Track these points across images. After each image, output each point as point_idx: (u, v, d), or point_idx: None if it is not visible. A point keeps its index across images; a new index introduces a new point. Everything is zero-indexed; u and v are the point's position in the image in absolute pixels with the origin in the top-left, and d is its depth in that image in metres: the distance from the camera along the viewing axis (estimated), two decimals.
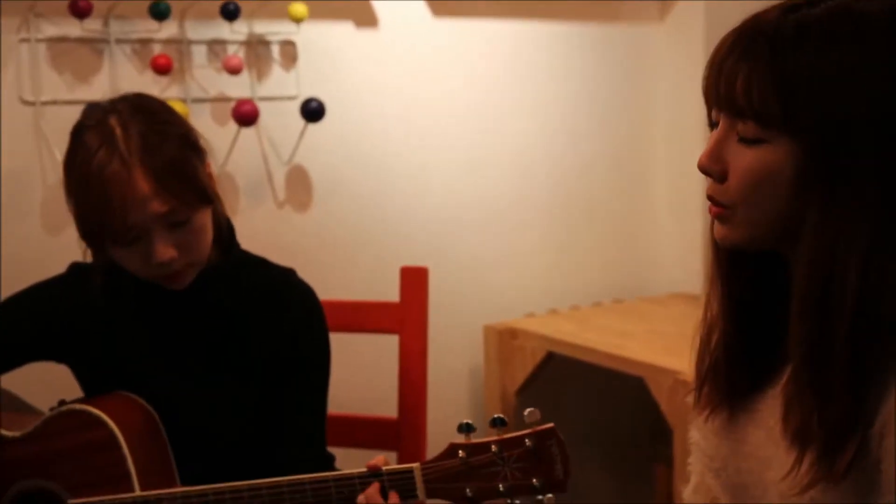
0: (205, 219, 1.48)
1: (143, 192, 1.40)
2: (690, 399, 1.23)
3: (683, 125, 2.96)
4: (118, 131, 1.41)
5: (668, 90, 3.02)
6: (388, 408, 2.02)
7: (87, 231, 1.44)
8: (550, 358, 2.60)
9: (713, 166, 1.06)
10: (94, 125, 1.43)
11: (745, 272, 1.12)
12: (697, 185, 2.89)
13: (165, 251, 1.43)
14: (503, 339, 2.67)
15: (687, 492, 1.30)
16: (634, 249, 3.07)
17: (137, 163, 1.40)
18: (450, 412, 2.65)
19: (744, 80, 0.99)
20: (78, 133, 1.46)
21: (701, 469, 1.25)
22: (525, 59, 2.81)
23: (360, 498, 1.34)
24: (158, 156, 1.41)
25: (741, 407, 1.14)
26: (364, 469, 1.35)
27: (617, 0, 2.93)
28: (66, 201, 1.49)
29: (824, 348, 0.99)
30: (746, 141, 1.02)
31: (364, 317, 2.01)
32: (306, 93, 2.45)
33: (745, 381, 1.14)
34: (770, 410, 1.10)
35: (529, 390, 2.64)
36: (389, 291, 2.08)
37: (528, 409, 1.28)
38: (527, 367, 2.62)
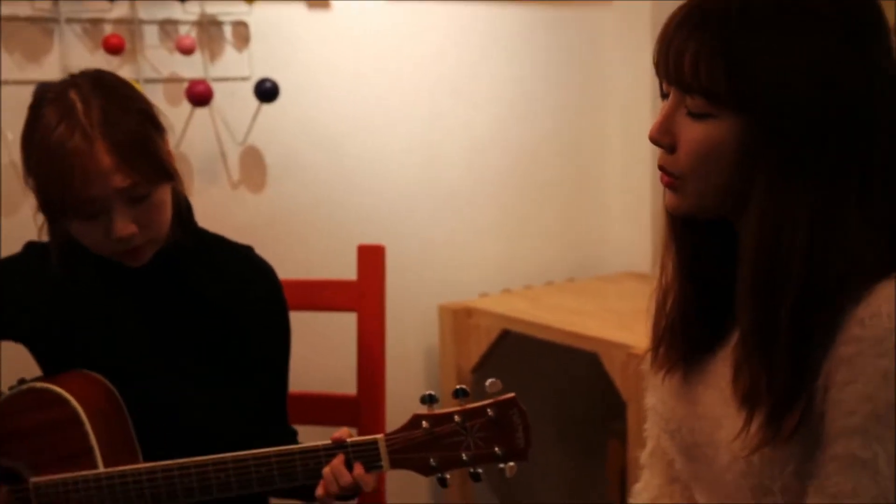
0: (165, 195, 1.48)
1: (105, 165, 1.39)
2: (647, 362, 1.27)
3: (634, 106, 3.00)
4: (79, 105, 1.40)
5: (619, 71, 3.05)
6: (346, 385, 2.04)
7: (47, 204, 1.43)
8: (505, 336, 2.63)
9: (663, 138, 1.09)
10: (53, 99, 1.42)
11: (697, 238, 1.16)
12: (648, 166, 2.93)
13: (126, 226, 1.43)
14: (458, 318, 2.70)
15: (644, 455, 1.34)
16: (586, 229, 3.11)
17: (99, 136, 1.39)
18: (406, 391, 2.66)
19: (692, 56, 1.02)
20: (36, 107, 1.45)
21: (657, 433, 1.28)
22: (477, 40, 2.83)
23: (326, 470, 1.35)
24: (120, 130, 1.41)
25: (695, 369, 1.18)
26: (329, 441, 1.37)
27: None
28: (23, 176, 1.48)
29: (770, 316, 1.02)
30: (694, 115, 1.04)
31: (322, 295, 2.02)
32: (259, 73, 2.44)
33: (698, 341, 1.17)
34: (721, 372, 1.14)
35: (484, 368, 2.67)
36: (344, 272, 2.10)
37: (490, 380, 1.31)
38: (482, 345, 2.65)
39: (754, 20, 1.00)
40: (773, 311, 1.02)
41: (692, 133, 1.05)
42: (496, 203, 2.91)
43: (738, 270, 1.08)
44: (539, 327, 2.50)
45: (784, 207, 1.00)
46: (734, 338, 1.12)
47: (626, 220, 3.09)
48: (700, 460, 1.17)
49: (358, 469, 1.34)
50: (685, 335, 1.18)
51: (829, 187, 1.00)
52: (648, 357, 1.25)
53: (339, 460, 1.35)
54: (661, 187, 1.09)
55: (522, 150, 2.94)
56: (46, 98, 1.44)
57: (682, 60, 1.03)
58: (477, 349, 2.66)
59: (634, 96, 2.99)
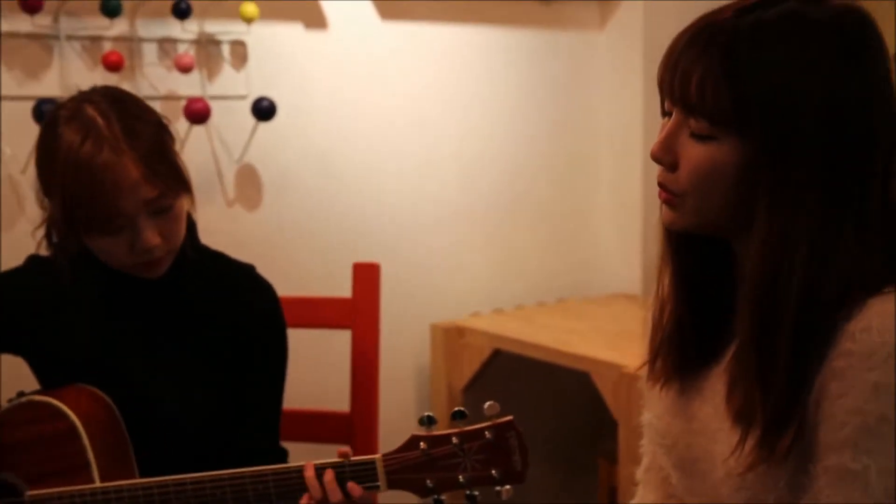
0: (183, 206, 1.50)
1: (134, 177, 1.41)
2: (643, 379, 1.28)
3: (624, 129, 3.03)
4: (100, 120, 1.41)
5: (610, 95, 3.09)
6: (339, 402, 2.04)
7: (74, 221, 1.43)
8: (496, 355, 2.65)
9: (665, 157, 1.10)
10: (70, 116, 1.43)
11: (693, 253, 1.17)
12: (638, 189, 2.96)
13: (152, 237, 1.45)
14: (450, 337, 2.71)
15: (639, 471, 1.35)
16: (577, 251, 3.13)
17: (125, 150, 1.40)
18: (397, 410, 2.68)
19: (698, 79, 1.04)
20: (52, 126, 1.45)
21: (653, 449, 1.30)
22: (472, 61, 2.85)
23: (313, 482, 1.35)
24: (143, 141, 1.42)
25: (691, 384, 1.19)
26: (301, 463, 1.38)
27: (559, 2, 2.98)
28: (37, 197, 1.49)
29: (770, 338, 1.04)
30: (698, 137, 1.06)
31: (317, 312, 2.03)
32: (256, 92, 2.46)
33: (695, 354, 1.19)
34: (716, 387, 1.15)
35: (475, 388, 2.68)
36: (337, 290, 2.11)
37: (488, 402, 1.32)
38: (473, 364, 2.67)
39: (761, 44, 1.02)
40: (772, 332, 1.04)
41: (694, 154, 1.07)
42: (488, 223, 2.93)
43: (740, 291, 1.10)
44: (531, 346, 2.52)
45: (785, 232, 1.03)
46: (730, 352, 1.14)
47: (616, 242, 3.12)
48: (696, 475, 1.19)
49: (355, 489, 1.35)
50: (681, 347, 1.19)
51: (829, 210, 1.02)
52: (645, 374, 1.27)
53: (329, 475, 1.35)
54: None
55: (515, 171, 2.97)
56: (61, 116, 1.44)
57: (688, 82, 1.05)
58: (469, 368, 2.68)
59: (625, 120, 3.02)
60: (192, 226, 1.60)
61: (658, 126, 1.13)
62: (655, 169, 1.14)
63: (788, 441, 1.04)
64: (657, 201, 1.15)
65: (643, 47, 2.93)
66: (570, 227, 3.11)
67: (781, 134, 1.02)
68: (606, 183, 3.13)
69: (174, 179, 1.46)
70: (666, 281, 1.20)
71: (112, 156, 1.40)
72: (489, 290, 2.95)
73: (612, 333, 2.58)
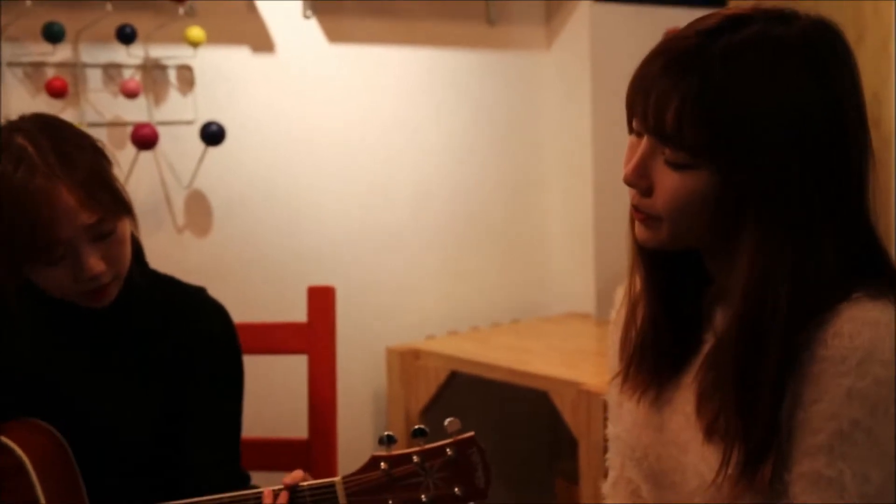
0: (126, 229, 1.47)
1: (70, 203, 1.37)
2: (610, 392, 1.27)
3: (573, 149, 3.04)
4: (30, 148, 1.38)
5: (558, 115, 3.10)
6: (296, 429, 2.01)
7: (12, 252, 1.39)
8: (453, 378, 2.63)
9: (640, 182, 1.08)
10: (0, 148, 1.40)
11: (663, 260, 1.16)
12: (589, 207, 2.97)
13: (97, 264, 1.41)
14: (406, 361, 2.69)
15: (606, 485, 1.34)
16: (529, 271, 3.13)
17: (60, 176, 1.37)
18: (355, 434, 2.65)
19: (675, 111, 1.02)
20: None
21: (620, 462, 1.29)
22: (419, 83, 2.85)
23: None
24: (79, 167, 1.39)
25: (661, 395, 1.19)
26: (259, 489, 1.34)
27: (505, 24, 3.00)
28: None
29: (755, 363, 1.04)
30: (673, 165, 1.05)
31: (272, 338, 1.99)
32: (204, 117, 2.43)
33: (671, 358, 1.17)
34: (686, 397, 1.15)
35: (433, 410, 2.66)
36: (291, 315, 2.08)
37: (449, 419, 1.30)
38: (430, 387, 2.64)
39: (735, 71, 1.01)
40: (755, 365, 1.04)
41: (671, 182, 1.05)
42: (440, 246, 2.92)
43: (706, 296, 1.12)
44: (488, 367, 2.50)
45: (768, 265, 1.02)
46: (698, 362, 1.13)
47: (569, 261, 3.12)
48: (667, 487, 1.18)
49: None
50: (657, 350, 1.18)
51: (810, 235, 1.03)
52: (613, 387, 1.25)
53: (283, 498, 1.32)
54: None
55: (465, 192, 2.96)
56: None
57: (663, 112, 1.03)
58: (426, 391, 2.65)
59: (574, 139, 3.03)
60: (138, 249, 1.57)
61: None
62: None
63: (769, 469, 1.04)
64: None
65: (590, 66, 2.95)
66: (522, 247, 3.11)
67: (760, 159, 1.01)
68: (557, 202, 3.14)
69: (113, 203, 1.43)
70: (637, 283, 1.19)
71: (46, 183, 1.36)
72: (443, 312, 2.93)
73: (568, 352, 2.58)
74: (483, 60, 2.97)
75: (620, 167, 1.10)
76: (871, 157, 1.07)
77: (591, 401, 2.16)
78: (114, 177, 1.47)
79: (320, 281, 2.17)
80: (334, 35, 2.68)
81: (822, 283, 1.03)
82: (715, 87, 1.01)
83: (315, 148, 2.66)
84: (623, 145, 1.11)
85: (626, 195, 1.12)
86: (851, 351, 1.00)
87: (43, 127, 1.43)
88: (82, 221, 1.38)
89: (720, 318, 1.13)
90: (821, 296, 1.03)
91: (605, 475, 1.35)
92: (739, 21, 1.04)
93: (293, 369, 2.14)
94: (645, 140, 1.07)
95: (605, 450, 1.32)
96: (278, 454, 1.96)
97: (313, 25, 2.64)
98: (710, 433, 1.08)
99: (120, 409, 1.52)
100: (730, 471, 1.05)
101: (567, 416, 2.29)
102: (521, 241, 3.11)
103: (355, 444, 2.64)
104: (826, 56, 1.04)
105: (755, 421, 1.04)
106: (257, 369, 2.05)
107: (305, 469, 1.88)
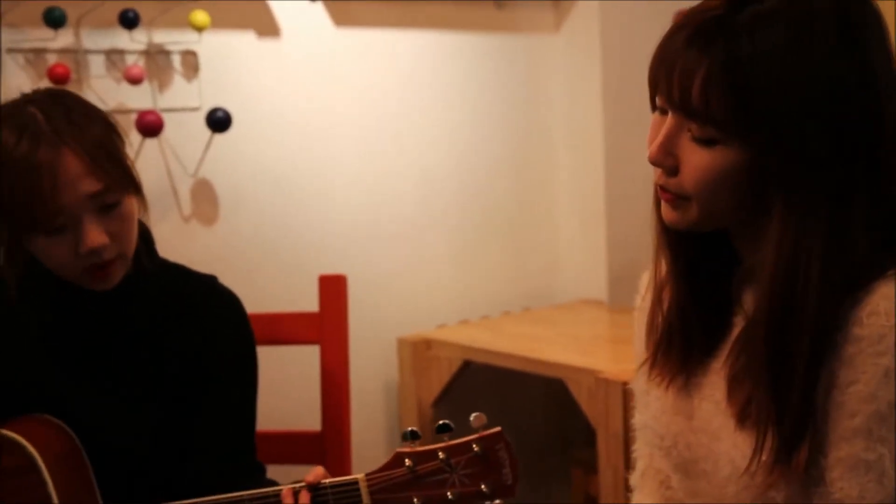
0: (133, 207, 1.42)
1: (75, 170, 1.33)
2: (637, 381, 1.24)
3: (583, 133, 2.99)
4: (40, 116, 1.35)
5: (568, 97, 3.05)
6: (308, 421, 1.97)
7: (13, 221, 1.35)
8: (466, 367, 2.59)
9: (665, 161, 1.04)
10: (7, 116, 1.36)
11: (690, 241, 1.12)
12: (600, 192, 2.92)
13: (98, 236, 1.36)
14: (418, 351, 2.64)
15: (634, 476, 1.31)
16: (540, 258, 3.08)
17: (66, 142, 1.33)
18: (366, 426, 2.61)
19: (701, 84, 0.98)
20: None
21: (649, 452, 1.25)
22: (427, 67, 2.80)
23: None
24: (87, 135, 1.36)
25: (690, 381, 1.15)
26: (279, 487, 1.30)
27: (513, 5, 2.94)
28: None
29: (785, 352, 1.00)
30: (701, 141, 1.01)
31: (283, 328, 1.95)
32: (209, 104, 2.38)
33: (699, 343, 1.14)
34: (716, 383, 1.11)
35: (445, 401, 2.62)
36: (301, 305, 2.03)
37: (474, 414, 1.26)
38: (443, 377, 2.60)
39: (763, 40, 0.97)
40: (788, 346, 1.00)
41: (699, 159, 1.02)
42: (449, 234, 2.88)
43: (737, 276, 1.08)
44: (503, 356, 2.46)
45: (803, 227, 0.99)
46: (727, 347, 1.10)
47: (580, 247, 3.07)
48: (698, 475, 1.14)
49: None
50: (685, 336, 1.14)
51: (841, 211, 0.99)
52: (639, 375, 1.22)
53: (305, 497, 1.28)
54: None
55: (474, 178, 2.92)
56: (1, 118, 1.36)
57: (689, 87, 0.99)
58: (438, 381, 2.61)
59: (585, 122, 2.98)
60: (147, 235, 1.53)
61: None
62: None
63: (805, 455, 1.01)
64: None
65: (600, 48, 2.90)
66: (532, 233, 3.07)
67: (791, 131, 0.97)
68: (568, 187, 3.09)
69: (121, 174, 1.38)
70: (663, 266, 1.15)
71: (50, 150, 1.32)
72: (454, 300, 2.89)
73: (583, 339, 2.54)
74: (491, 43, 2.92)
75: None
76: None
77: (609, 389, 2.11)
78: (124, 153, 1.43)
79: (330, 270, 2.13)
80: (341, 18, 2.62)
81: (854, 260, 0.99)
82: (742, 57, 0.97)
83: (323, 133, 2.61)
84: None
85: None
86: (889, 329, 0.97)
87: (55, 99, 1.40)
88: (86, 189, 1.34)
89: (750, 300, 1.09)
90: (854, 273, 0.99)
91: (628, 465, 1.32)
92: None
93: (303, 361, 2.10)
94: (670, 117, 1.03)
95: (626, 439, 1.29)
96: (291, 447, 1.92)
97: (319, 9, 2.59)
98: (742, 419, 1.05)
99: (128, 405, 1.48)
100: (763, 457, 1.02)
101: (584, 404, 2.24)
102: (531, 227, 3.06)
103: (367, 435, 2.61)
104: (858, 22, 0.99)
105: (789, 405, 1.00)
106: (268, 360, 2.01)
107: (318, 462, 1.86)
